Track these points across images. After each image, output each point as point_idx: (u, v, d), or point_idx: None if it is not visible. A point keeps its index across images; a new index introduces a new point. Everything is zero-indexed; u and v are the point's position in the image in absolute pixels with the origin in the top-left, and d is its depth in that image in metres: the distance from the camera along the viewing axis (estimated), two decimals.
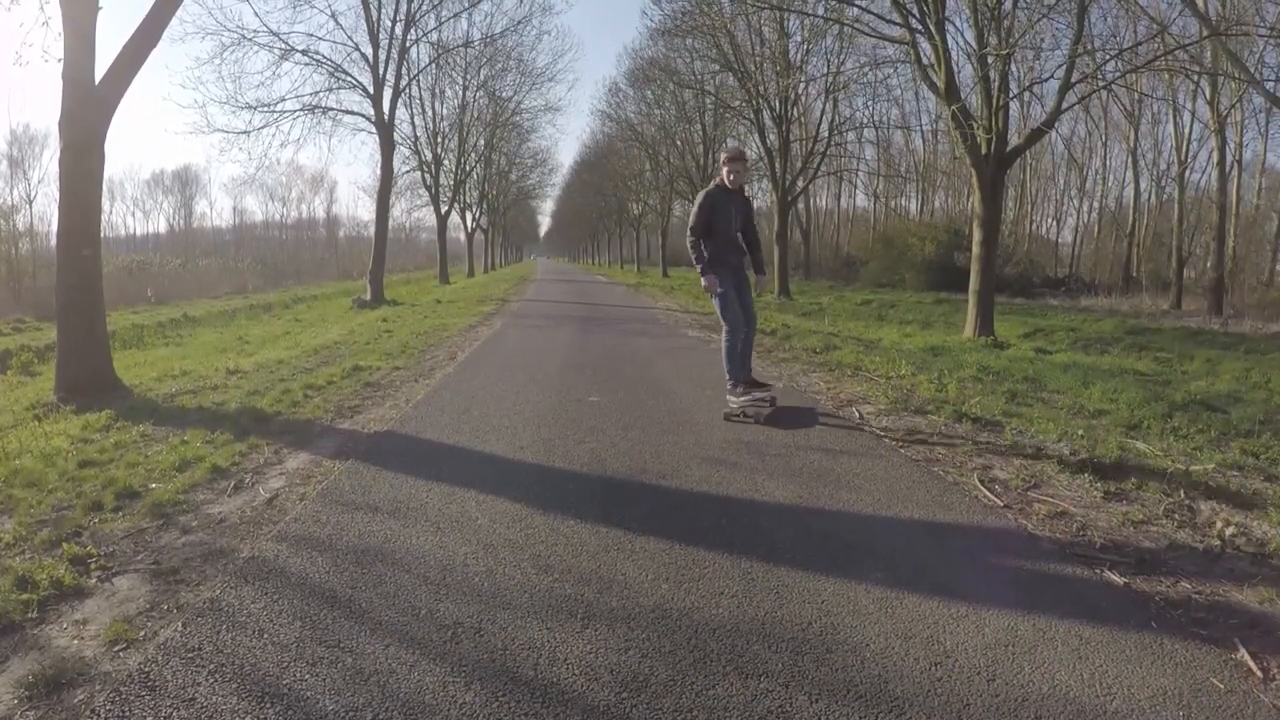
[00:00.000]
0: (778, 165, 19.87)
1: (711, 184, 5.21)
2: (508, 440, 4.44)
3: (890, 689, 1.94)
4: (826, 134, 20.66)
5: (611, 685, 1.95)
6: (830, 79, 18.86)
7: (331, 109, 17.64)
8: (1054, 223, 32.23)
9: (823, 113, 21.15)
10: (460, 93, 28.77)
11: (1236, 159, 20.67)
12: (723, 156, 5.22)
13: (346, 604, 2.39)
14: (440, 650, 2.12)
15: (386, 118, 18.17)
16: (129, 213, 66.04)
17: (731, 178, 5.09)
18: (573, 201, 58.57)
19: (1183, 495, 3.44)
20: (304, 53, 16.52)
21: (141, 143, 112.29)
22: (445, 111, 29.03)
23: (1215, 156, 19.74)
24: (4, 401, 6.52)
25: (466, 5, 21.33)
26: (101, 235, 6.40)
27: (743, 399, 5.03)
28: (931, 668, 2.04)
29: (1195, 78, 16.97)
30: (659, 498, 3.44)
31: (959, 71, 10.97)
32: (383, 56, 17.60)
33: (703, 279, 5.13)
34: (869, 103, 26.88)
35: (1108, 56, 9.84)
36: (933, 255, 23.13)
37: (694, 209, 5.15)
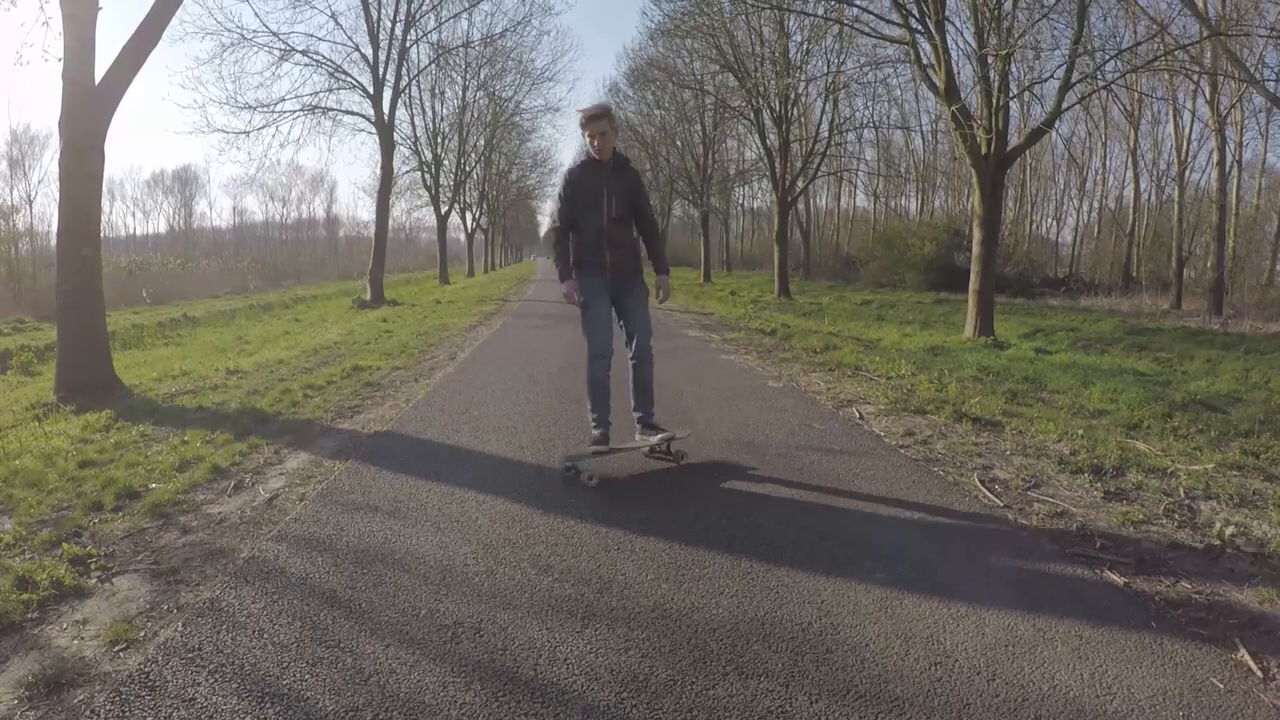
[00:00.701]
0: (778, 165, 19.87)
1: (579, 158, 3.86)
2: (508, 440, 4.44)
3: (890, 689, 1.94)
4: (826, 134, 20.66)
5: (611, 685, 1.95)
6: (830, 79, 18.87)
7: (331, 109, 17.67)
8: (1054, 223, 32.23)
9: (823, 113, 21.17)
10: (460, 93, 28.84)
11: (1236, 159, 20.66)
12: (579, 119, 3.80)
13: (346, 604, 2.39)
14: (440, 650, 2.12)
15: (386, 118, 18.18)
16: (129, 213, 66.19)
17: (595, 143, 3.75)
18: None
19: (1183, 495, 3.44)
20: (304, 53, 16.55)
21: (141, 143, 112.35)
22: (445, 112, 29.11)
23: (1215, 156, 19.72)
24: (4, 401, 6.52)
25: (466, 6, 21.39)
26: (101, 235, 6.40)
27: (592, 449, 3.83)
28: (931, 668, 2.04)
29: (1195, 78, 16.97)
30: (659, 497, 3.44)
31: (959, 71, 10.97)
32: (383, 57, 17.63)
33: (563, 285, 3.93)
34: (869, 103, 26.94)
35: (1108, 56, 9.84)
36: (933, 255, 23.09)
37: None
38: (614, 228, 3.84)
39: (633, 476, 3.75)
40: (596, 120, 3.73)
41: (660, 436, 3.91)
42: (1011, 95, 11.04)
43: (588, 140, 3.79)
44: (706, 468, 3.90)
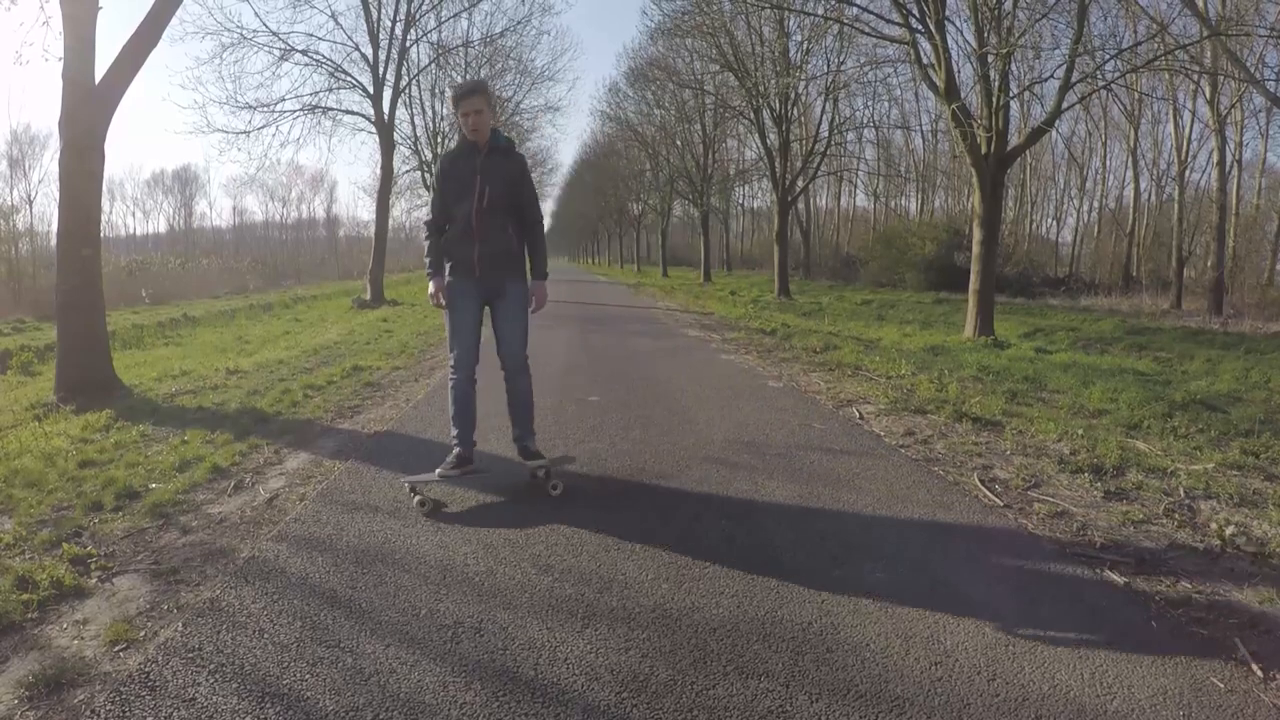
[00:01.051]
0: (778, 165, 19.87)
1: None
2: (508, 439, 4.42)
3: (890, 689, 1.94)
4: (826, 134, 20.66)
5: (611, 685, 1.95)
6: (830, 78, 18.86)
7: (331, 109, 17.66)
8: (1054, 222, 32.19)
9: (823, 112, 21.17)
10: None
11: (1236, 159, 20.64)
12: (449, 96, 3.39)
13: (346, 604, 2.39)
14: (440, 650, 2.12)
15: (386, 118, 18.17)
16: (129, 213, 66.11)
17: (469, 123, 3.32)
18: (573, 201, 58.67)
19: (1183, 495, 3.44)
20: (304, 53, 16.55)
21: (142, 143, 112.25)
22: (445, 111, 29.01)
23: (1215, 156, 19.69)
24: (4, 401, 6.51)
25: (466, 5, 21.31)
26: (101, 235, 6.39)
27: (438, 472, 3.43)
28: (931, 668, 2.04)
29: (1195, 78, 16.95)
30: (659, 497, 3.44)
31: (959, 71, 10.95)
32: (383, 56, 17.62)
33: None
34: (869, 102, 26.98)
35: (1108, 56, 9.83)
36: (933, 255, 23.07)
37: None
38: (485, 220, 3.37)
39: (630, 479, 3.75)
40: (469, 97, 3.31)
41: (534, 464, 3.54)
42: (1012, 95, 11.03)
43: (460, 119, 3.37)
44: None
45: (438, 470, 3.43)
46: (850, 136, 25.50)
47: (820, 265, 33.51)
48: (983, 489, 3.56)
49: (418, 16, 18.63)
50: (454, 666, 2.03)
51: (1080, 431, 4.52)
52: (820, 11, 14.87)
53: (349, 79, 17.45)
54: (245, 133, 16.27)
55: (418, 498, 3.29)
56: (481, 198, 3.35)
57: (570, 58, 69.95)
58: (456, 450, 3.50)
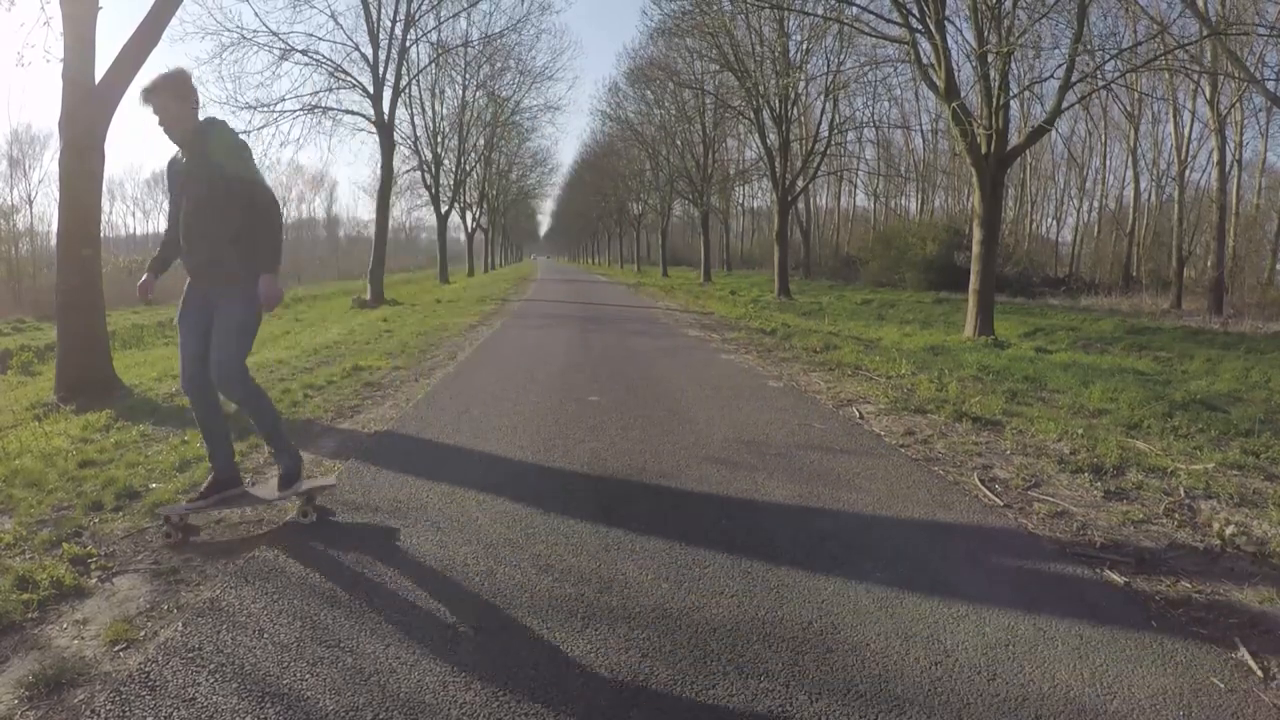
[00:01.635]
0: (778, 165, 19.87)
1: None
2: (508, 440, 4.44)
3: (890, 689, 1.94)
4: (826, 133, 20.66)
5: (611, 685, 1.95)
6: (830, 78, 18.86)
7: (331, 109, 17.63)
8: (1054, 222, 32.22)
9: (823, 112, 21.17)
10: (460, 92, 28.82)
11: (1236, 158, 20.64)
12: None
13: (346, 604, 2.39)
14: (440, 650, 2.12)
15: (386, 117, 18.17)
16: (129, 212, 66.26)
17: (158, 122, 2.97)
18: (573, 201, 58.75)
19: (1183, 494, 3.44)
20: (304, 53, 16.53)
21: (142, 142, 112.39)
22: (445, 111, 29.06)
23: (1215, 156, 19.70)
24: (4, 401, 6.51)
25: (466, 5, 21.33)
26: (101, 235, 6.39)
27: (185, 502, 3.11)
28: (931, 667, 2.04)
29: (1195, 77, 16.96)
30: (659, 497, 3.44)
31: (959, 71, 10.97)
32: (382, 56, 17.61)
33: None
34: (869, 102, 26.98)
35: (1108, 56, 9.85)
36: (933, 255, 23.08)
37: None
38: (190, 228, 3.03)
39: (630, 478, 3.75)
40: (149, 96, 2.91)
41: (257, 486, 3.26)
42: (1012, 95, 11.03)
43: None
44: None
45: (185, 502, 3.13)
46: (850, 136, 25.48)
47: (820, 265, 33.52)
48: (983, 489, 3.56)
49: (417, 16, 18.63)
50: (454, 666, 2.03)
51: (1080, 431, 4.52)
52: (820, 11, 14.90)
53: (349, 79, 17.44)
54: (245, 133, 16.20)
55: (165, 530, 2.96)
56: (185, 204, 3.04)
57: (570, 56, 70.18)
58: (210, 476, 3.18)
